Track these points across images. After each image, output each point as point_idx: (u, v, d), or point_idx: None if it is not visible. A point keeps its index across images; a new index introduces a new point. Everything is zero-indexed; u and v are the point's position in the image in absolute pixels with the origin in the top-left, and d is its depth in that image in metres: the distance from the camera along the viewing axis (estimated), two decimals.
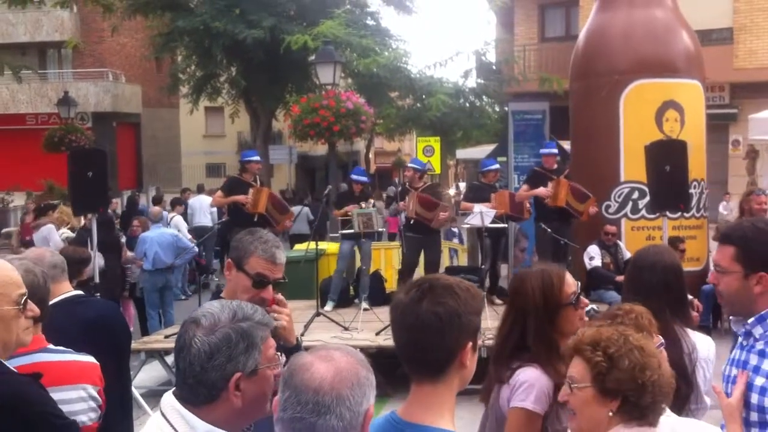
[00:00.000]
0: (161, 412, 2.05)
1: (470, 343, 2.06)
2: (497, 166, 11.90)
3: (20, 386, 2.52)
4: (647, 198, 10.55)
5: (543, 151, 11.47)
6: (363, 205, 10.91)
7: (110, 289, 10.27)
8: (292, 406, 1.72)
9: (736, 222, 2.87)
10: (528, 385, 2.85)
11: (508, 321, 3.12)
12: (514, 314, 3.10)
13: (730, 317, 2.99)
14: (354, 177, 11.48)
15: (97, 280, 8.65)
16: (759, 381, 2.67)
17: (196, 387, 1.99)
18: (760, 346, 2.71)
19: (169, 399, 2.07)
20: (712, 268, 9.91)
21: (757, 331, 2.72)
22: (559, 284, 3.00)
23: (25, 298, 2.57)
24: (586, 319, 3.07)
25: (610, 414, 2.28)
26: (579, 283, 3.11)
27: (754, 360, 2.71)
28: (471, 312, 2.06)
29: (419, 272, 11.26)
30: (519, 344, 3.01)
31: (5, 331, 2.51)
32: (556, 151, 11.37)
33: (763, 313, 2.71)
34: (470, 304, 2.07)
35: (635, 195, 11.34)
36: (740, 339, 2.85)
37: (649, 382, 2.27)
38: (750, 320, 2.73)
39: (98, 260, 9.99)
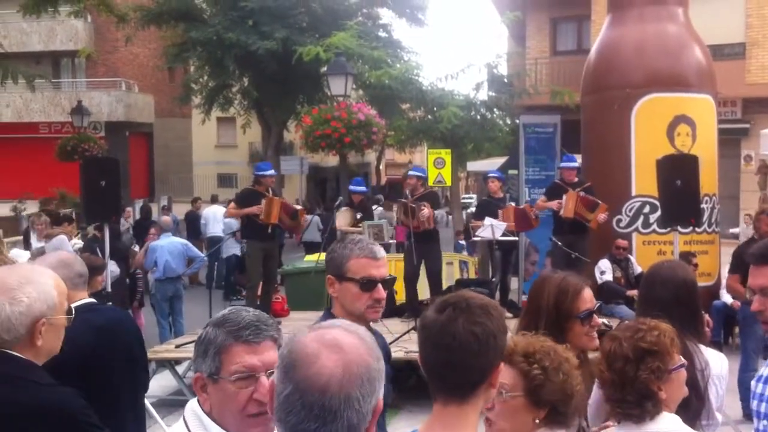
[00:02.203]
0: (183, 417, 2.10)
1: (501, 364, 2.04)
2: (494, 174, 12.03)
3: (64, 396, 2.59)
4: (658, 212, 10.54)
5: (561, 165, 11.47)
6: (358, 216, 11.04)
7: (119, 297, 10.32)
8: (296, 410, 1.53)
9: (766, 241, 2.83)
10: None
11: (524, 320, 3.13)
12: (530, 314, 3.10)
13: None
14: (352, 188, 11.58)
15: (109, 288, 8.68)
16: None
17: None
18: None
19: (191, 404, 2.12)
20: (726, 294, 9.76)
21: None
22: (574, 296, 3.00)
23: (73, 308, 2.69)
24: (595, 336, 3.06)
25: (537, 421, 2.38)
26: (598, 304, 3.09)
27: None
28: (503, 332, 2.03)
29: (422, 281, 11.29)
30: None
31: (56, 339, 2.61)
32: (574, 164, 11.29)
33: None
34: (502, 324, 2.04)
35: (646, 209, 11.32)
36: None
37: (574, 392, 2.38)
38: None
39: (114, 269, 10.06)
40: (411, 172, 11.54)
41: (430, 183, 16.36)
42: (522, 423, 2.38)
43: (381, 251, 3.01)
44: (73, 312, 2.68)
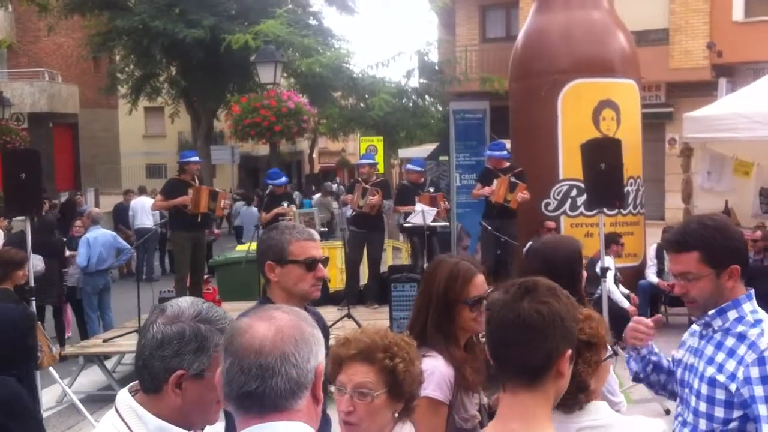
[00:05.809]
0: (116, 408, 2.05)
1: (569, 351, 1.92)
2: (412, 167, 12.20)
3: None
4: (585, 195, 10.71)
5: (488, 153, 11.47)
6: (286, 205, 10.95)
7: (47, 293, 10.10)
8: (236, 377, 1.64)
9: (684, 226, 2.89)
10: (428, 374, 2.79)
11: (416, 305, 3.10)
12: (422, 299, 3.07)
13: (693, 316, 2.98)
14: (272, 182, 11.41)
15: (32, 283, 8.44)
16: (709, 371, 2.73)
17: (142, 372, 2.02)
18: (718, 337, 2.77)
19: (123, 396, 2.07)
20: (652, 274, 9.92)
21: (717, 323, 2.78)
22: (464, 281, 2.97)
23: None
24: (483, 321, 3.04)
25: (396, 415, 2.42)
26: (490, 290, 2.99)
27: (709, 351, 2.78)
28: (572, 319, 1.95)
29: (363, 269, 11.32)
30: (424, 331, 2.98)
31: None
32: (502, 153, 11.20)
33: (723, 306, 2.76)
34: (572, 311, 1.96)
35: (573, 192, 11.50)
36: (697, 327, 2.90)
37: (422, 379, 2.50)
38: (711, 312, 2.78)
39: (37, 263, 9.78)
40: (362, 161, 11.58)
41: None
42: (383, 419, 2.40)
43: (316, 233, 3.22)
44: None
